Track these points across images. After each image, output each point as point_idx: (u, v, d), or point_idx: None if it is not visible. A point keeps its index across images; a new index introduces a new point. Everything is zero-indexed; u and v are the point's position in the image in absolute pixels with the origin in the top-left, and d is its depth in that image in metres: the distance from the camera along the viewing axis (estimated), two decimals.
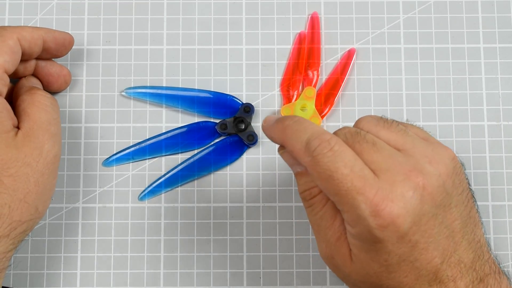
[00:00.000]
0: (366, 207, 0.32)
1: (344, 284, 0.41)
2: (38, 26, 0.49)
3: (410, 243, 0.33)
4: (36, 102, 0.41)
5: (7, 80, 0.42)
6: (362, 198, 0.32)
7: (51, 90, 0.47)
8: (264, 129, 0.38)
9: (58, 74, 0.46)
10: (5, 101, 0.41)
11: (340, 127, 0.48)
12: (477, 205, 0.37)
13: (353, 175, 0.33)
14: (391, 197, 0.32)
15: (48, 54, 0.45)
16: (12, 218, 0.39)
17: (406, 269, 0.33)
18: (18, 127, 0.41)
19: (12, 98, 0.43)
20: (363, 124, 0.36)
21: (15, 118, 0.41)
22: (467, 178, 0.37)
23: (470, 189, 0.37)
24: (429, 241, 0.33)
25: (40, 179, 0.40)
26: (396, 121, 0.37)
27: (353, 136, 0.35)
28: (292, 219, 0.47)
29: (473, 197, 0.37)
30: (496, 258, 0.37)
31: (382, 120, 0.36)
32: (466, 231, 0.35)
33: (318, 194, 0.36)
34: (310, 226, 0.39)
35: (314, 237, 0.38)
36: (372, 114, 0.48)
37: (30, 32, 0.43)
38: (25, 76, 0.45)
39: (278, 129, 0.36)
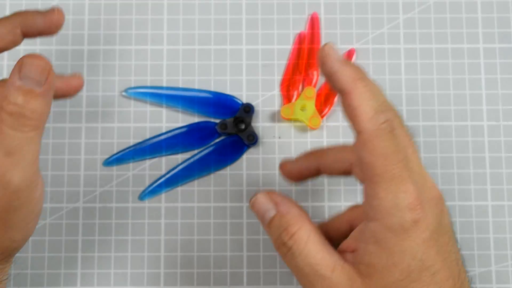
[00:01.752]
0: (406, 198, 0.32)
1: None
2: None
3: (432, 249, 0.32)
4: None
5: None
6: (404, 188, 0.32)
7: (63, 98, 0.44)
8: (328, 60, 0.34)
9: (63, 88, 0.43)
10: None
11: (340, 127, 0.48)
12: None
13: (404, 165, 0.32)
14: (424, 198, 0.32)
15: (37, 35, 0.41)
16: None
17: (426, 281, 0.33)
18: None
19: None
20: None
21: None
22: None
23: None
24: (445, 257, 0.33)
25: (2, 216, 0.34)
26: None
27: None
28: None
29: None
30: None
31: None
32: (464, 266, 0.35)
33: (297, 231, 0.35)
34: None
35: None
36: None
37: None
38: None
39: (348, 73, 0.33)
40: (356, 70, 0.33)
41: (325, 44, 0.34)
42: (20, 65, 0.33)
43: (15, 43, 0.41)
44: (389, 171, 0.32)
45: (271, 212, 0.36)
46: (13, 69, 0.33)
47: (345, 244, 0.35)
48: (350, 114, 0.33)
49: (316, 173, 0.41)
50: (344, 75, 0.33)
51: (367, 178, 0.33)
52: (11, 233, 0.35)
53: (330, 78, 0.34)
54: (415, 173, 0.33)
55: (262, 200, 0.36)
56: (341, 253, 0.35)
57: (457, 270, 0.34)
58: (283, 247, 0.35)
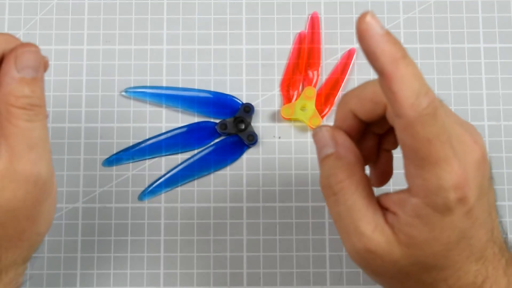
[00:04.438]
0: (451, 178, 0.31)
1: (377, 282, 0.36)
2: (37, 25, 0.49)
3: (472, 219, 0.32)
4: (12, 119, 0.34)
5: None
6: (449, 169, 0.31)
7: None
8: (366, 36, 0.30)
9: None
10: None
11: None
12: None
13: (448, 145, 0.31)
14: (468, 168, 0.31)
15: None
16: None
17: (462, 247, 0.32)
18: None
19: None
20: None
21: None
22: None
23: None
24: (483, 217, 0.33)
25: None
26: None
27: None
28: (292, 219, 0.47)
29: None
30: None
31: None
32: (496, 208, 0.35)
33: (347, 179, 0.33)
34: (333, 222, 0.35)
35: (339, 235, 0.34)
36: None
37: None
38: None
39: (388, 53, 0.30)
40: (397, 48, 0.30)
41: (365, 14, 0.29)
42: (15, 57, 0.33)
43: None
44: (433, 154, 0.30)
45: (329, 150, 0.34)
46: (7, 64, 0.33)
47: (388, 200, 0.34)
48: (389, 98, 0.30)
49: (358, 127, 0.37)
50: (384, 55, 0.29)
51: (409, 159, 0.31)
52: (38, 227, 0.35)
53: (367, 56, 0.30)
54: (454, 138, 0.31)
55: (325, 134, 0.35)
56: (383, 210, 0.34)
57: (490, 222, 0.33)
58: (328, 190, 0.34)
